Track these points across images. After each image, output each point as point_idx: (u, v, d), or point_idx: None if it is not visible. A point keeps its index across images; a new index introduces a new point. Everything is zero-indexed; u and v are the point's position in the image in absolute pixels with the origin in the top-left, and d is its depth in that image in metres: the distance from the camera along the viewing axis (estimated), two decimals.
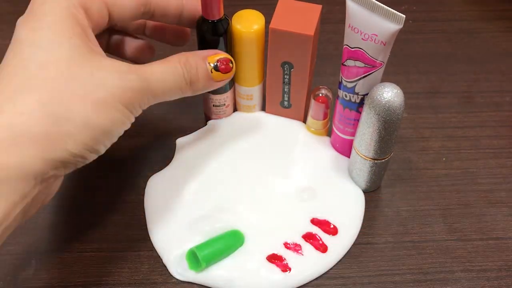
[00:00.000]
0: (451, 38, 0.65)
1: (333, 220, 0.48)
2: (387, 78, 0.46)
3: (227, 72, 0.43)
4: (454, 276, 0.46)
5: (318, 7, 0.49)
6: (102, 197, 0.51)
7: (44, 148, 0.33)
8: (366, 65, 0.44)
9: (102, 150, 0.38)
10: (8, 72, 0.34)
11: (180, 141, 0.54)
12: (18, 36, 0.36)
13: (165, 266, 0.46)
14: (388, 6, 0.41)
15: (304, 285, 0.46)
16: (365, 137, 0.46)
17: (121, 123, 0.38)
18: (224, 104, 0.53)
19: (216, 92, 0.52)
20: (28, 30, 0.36)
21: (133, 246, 0.48)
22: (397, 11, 0.41)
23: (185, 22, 0.46)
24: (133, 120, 0.39)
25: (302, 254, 0.46)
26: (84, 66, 0.35)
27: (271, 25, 0.48)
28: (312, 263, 0.46)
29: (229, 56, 0.44)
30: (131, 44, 0.48)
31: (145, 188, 0.51)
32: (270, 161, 0.52)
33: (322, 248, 0.47)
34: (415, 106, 0.58)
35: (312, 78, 0.54)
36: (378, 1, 0.42)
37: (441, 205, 0.50)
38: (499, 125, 0.56)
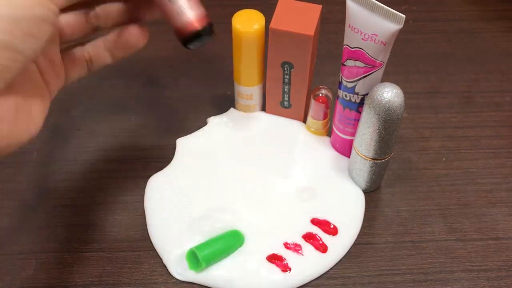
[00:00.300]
0: (451, 38, 0.65)
1: (333, 220, 0.48)
2: (387, 78, 0.46)
3: None
4: (454, 276, 0.46)
5: (318, 7, 0.49)
6: (102, 197, 0.51)
7: None
8: (366, 65, 0.44)
9: (27, 51, 0.32)
10: None
11: (180, 141, 0.54)
12: None
13: (165, 266, 0.46)
14: (388, 6, 0.41)
15: (304, 285, 0.46)
16: (365, 137, 0.46)
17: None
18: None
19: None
20: None
21: (133, 246, 0.48)
22: (397, 11, 0.41)
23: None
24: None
25: (302, 254, 0.46)
26: None
27: (271, 25, 0.48)
28: (312, 263, 0.46)
29: None
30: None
31: (145, 188, 0.51)
32: (270, 161, 0.52)
33: (322, 248, 0.47)
34: (415, 106, 0.58)
35: (312, 78, 0.54)
36: (378, 1, 0.42)
37: (441, 205, 0.50)
38: (499, 125, 0.56)
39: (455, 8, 0.68)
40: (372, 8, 0.42)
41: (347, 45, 0.45)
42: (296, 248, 0.47)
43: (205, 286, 0.45)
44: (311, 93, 0.51)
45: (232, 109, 0.56)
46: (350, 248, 0.47)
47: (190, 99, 0.58)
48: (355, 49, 0.44)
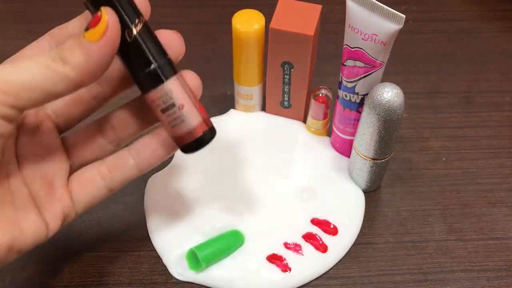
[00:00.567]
0: (451, 38, 0.65)
1: (333, 220, 0.48)
2: (387, 78, 0.46)
3: (96, 24, 0.30)
4: (454, 276, 0.46)
5: (318, 7, 0.49)
6: None
7: None
8: (366, 65, 0.44)
9: None
10: None
11: None
12: None
13: (165, 266, 0.46)
14: (388, 6, 0.41)
15: (304, 285, 0.45)
16: (365, 137, 0.46)
17: None
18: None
19: None
20: None
21: (133, 246, 0.47)
22: (397, 11, 0.41)
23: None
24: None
25: (302, 254, 0.46)
26: None
27: (271, 25, 0.48)
28: (312, 263, 0.46)
29: (102, 8, 0.31)
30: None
31: (145, 188, 0.51)
32: (270, 161, 0.52)
33: (322, 248, 0.47)
34: (415, 106, 0.58)
35: (312, 78, 0.54)
36: (378, 1, 0.42)
37: (441, 205, 0.50)
38: (499, 125, 0.56)
39: (455, 8, 0.68)
40: (372, 8, 0.42)
41: (347, 45, 0.45)
42: (296, 248, 0.47)
43: (205, 286, 0.45)
44: (311, 93, 0.51)
45: (232, 110, 0.56)
46: (350, 248, 0.47)
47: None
48: (355, 49, 0.44)
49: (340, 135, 0.51)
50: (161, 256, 0.47)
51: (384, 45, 0.43)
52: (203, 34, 0.64)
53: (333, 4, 0.60)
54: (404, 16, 0.41)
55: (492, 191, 0.51)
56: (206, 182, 0.51)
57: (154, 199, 0.50)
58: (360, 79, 0.45)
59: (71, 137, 0.38)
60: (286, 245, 0.47)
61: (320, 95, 0.51)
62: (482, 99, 0.59)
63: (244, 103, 0.55)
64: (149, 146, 0.37)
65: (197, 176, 0.51)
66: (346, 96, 0.48)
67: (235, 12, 0.49)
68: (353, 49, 0.44)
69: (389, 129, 0.44)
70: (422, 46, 0.64)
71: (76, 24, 0.35)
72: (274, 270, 0.45)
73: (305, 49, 0.48)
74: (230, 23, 0.49)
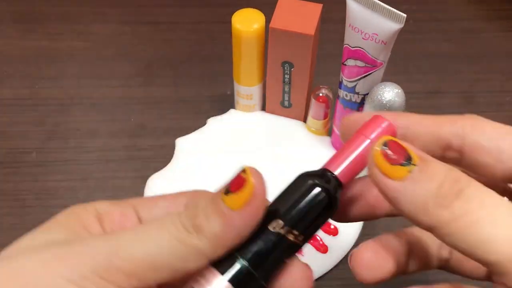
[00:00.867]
0: (452, 38, 0.65)
1: (333, 221, 0.48)
2: (387, 77, 0.46)
3: (239, 188, 0.25)
4: (456, 276, 0.46)
5: (319, 6, 0.49)
6: (102, 197, 0.50)
7: None
8: (366, 65, 0.44)
9: None
10: None
11: (179, 141, 0.54)
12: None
13: None
14: (388, 6, 0.41)
15: None
16: None
17: None
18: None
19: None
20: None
21: None
22: (398, 11, 0.41)
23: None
24: None
25: (302, 255, 0.46)
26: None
27: (271, 25, 0.48)
28: (313, 264, 0.46)
29: (245, 167, 0.26)
30: None
31: (144, 188, 0.51)
32: (270, 161, 0.52)
33: (323, 248, 0.47)
34: (415, 106, 0.57)
35: (312, 78, 0.54)
36: (378, 0, 0.41)
37: None
38: None
39: (456, 7, 0.68)
40: (373, 8, 0.42)
41: (347, 44, 0.45)
42: None
43: None
44: (312, 92, 0.51)
45: (232, 110, 0.56)
46: (351, 249, 0.47)
47: (189, 99, 0.58)
48: (356, 48, 0.44)
49: None
50: None
51: (385, 44, 0.43)
52: (203, 34, 0.64)
53: (333, 3, 0.59)
54: (404, 15, 0.41)
55: None
56: (205, 182, 0.51)
57: None
58: (360, 78, 0.45)
59: None
60: None
61: (321, 94, 0.51)
62: (483, 99, 0.59)
63: (244, 103, 0.55)
64: None
65: (197, 176, 0.51)
66: (346, 95, 0.48)
67: (235, 11, 0.49)
68: (353, 49, 0.44)
69: None
70: (422, 46, 0.64)
71: (165, 203, 0.29)
72: None
73: (305, 48, 0.48)
74: (230, 22, 0.49)
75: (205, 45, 0.63)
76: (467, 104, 0.58)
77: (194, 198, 0.28)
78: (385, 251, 0.27)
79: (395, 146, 0.24)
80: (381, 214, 0.30)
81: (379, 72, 0.45)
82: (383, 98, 0.42)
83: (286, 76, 0.51)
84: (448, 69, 0.61)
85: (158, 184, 0.51)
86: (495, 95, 0.59)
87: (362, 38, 0.43)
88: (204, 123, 0.55)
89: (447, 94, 0.59)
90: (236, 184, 0.25)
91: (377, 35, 0.42)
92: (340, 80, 0.47)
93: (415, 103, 0.58)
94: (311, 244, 0.47)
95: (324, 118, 0.52)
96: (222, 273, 0.24)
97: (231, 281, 0.24)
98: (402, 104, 0.43)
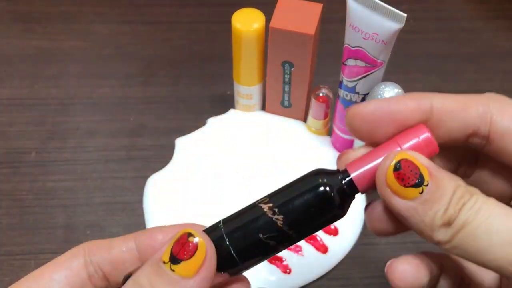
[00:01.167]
0: (452, 37, 0.65)
1: None
2: (388, 77, 0.46)
3: (191, 254, 0.24)
4: None
5: (319, 6, 0.49)
6: (101, 198, 0.50)
7: None
8: (367, 64, 0.44)
9: None
10: None
11: (179, 140, 0.54)
12: None
13: None
14: (389, 5, 0.41)
15: (305, 286, 0.45)
16: None
17: None
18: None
19: None
20: None
21: None
22: (398, 10, 0.41)
23: None
24: None
25: (303, 255, 0.46)
26: None
27: (271, 24, 0.47)
28: (313, 264, 0.46)
29: (187, 230, 0.24)
30: None
31: (144, 188, 0.51)
32: (270, 161, 0.52)
33: (323, 248, 0.46)
34: None
35: (312, 78, 0.54)
36: (378, 0, 0.41)
37: None
38: None
39: (456, 7, 0.68)
40: (373, 7, 0.42)
41: (347, 44, 0.45)
42: (296, 248, 0.46)
43: None
44: (312, 92, 0.51)
45: (232, 110, 0.56)
46: (351, 249, 0.47)
47: (189, 99, 0.58)
48: (356, 48, 0.44)
49: (341, 134, 0.51)
50: None
51: (385, 44, 0.42)
52: (203, 33, 0.64)
53: (333, 3, 0.59)
54: (405, 15, 0.41)
55: None
56: (205, 182, 0.51)
57: (154, 199, 0.50)
58: (360, 78, 0.45)
59: None
60: None
61: (321, 94, 0.50)
62: None
63: (244, 102, 0.55)
64: None
65: (196, 176, 0.51)
66: (346, 95, 0.47)
67: (235, 11, 0.49)
68: (353, 48, 0.44)
69: None
70: (423, 45, 0.64)
71: (122, 246, 0.28)
72: (274, 271, 0.45)
73: (305, 48, 0.48)
74: (230, 22, 0.49)
75: (205, 45, 0.63)
76: None
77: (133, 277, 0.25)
78: (421, 265, 0.27)
79: (409, 165, 0.24)
80: None
81: (379, 72, 0.45)
82: (383, 98, 0.42)
83: (286, 76, 0.51)
84: (448, 68, 0.61)
85: (158, 184, 0.51)
86: None
87: (363, 37, 0.43)
88: (204, 123, 0.55)
89: (448, 93, 0.59)
90: (186, 251, 0.24)
91: (378, 34, 0.42)
92: (340, 80, 0.47)
93: None
94: (311, 244, 0.47)
95: (324, 118, 0.52)
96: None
97: None
98: None
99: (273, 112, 0.55)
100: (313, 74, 0.54)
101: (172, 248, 0.24)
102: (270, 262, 0.46)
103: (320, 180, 0.25)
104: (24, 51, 0.61)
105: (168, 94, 0.58)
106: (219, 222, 0.26)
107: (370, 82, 0.45)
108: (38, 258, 0.46)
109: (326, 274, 0.46)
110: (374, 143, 0.26)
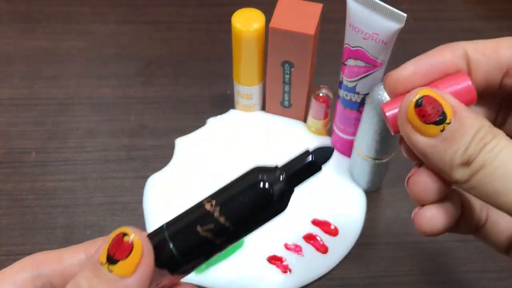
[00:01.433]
0: (452, 37, 0.64)
1: (334, 221, 0.48)
2: None
3: (127, 253, 0.24)
4: (456, 277, 0.46)
5: (319, 6, 0.49)
6: (101, 197, 0.50)
7: None
8: (367, 65, 0.44)
9: None
10: None
11: (179, 140, 0.54)
12: None
13: None
14: (389, 5, 0.41)
15: (305, 286, 0.45)
16: (366, 137, 0.46)
17: None
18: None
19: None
20: None
21: None
22: (398, 10, 0.41)
23: None
24: None
25: (303, 255, 0.46)
26: None
27: (271, 24, 0.47)
28: (313, 264, 0.46)
29: (122, 229, 0.25)
30: None
31: (144, 188, 0.51)
32: (270, 161, 0.52)
33: (323, 249, 0.46)
34: None
35: (312, 78, 0.54)
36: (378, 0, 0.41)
37: None
38: None
39: (456, 7, 0.68)
40: (373, 7, 0.41)
41: (347, 44, 0.45)
42: (296, 249, 0.46)
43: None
44: (312, 92, 0.51)
45: (232, 110, 0.56)
46: (351, 249, 0.47)
47: (189, 99, 0.58)
48: (356, 48, 0.44)
49: (341, 135, 0.51)
50: None
51: (385, 44, 0.42)
52: (203, 34, 0.64)
53: (333, 3, 0.59)
54: (405, 15, 0.41)
55: None
56: (205, 182, 0.51)
57: (153, 199, 0.50)
58: (360, 78, 0.45)
59: None
60: (287, 246, 0.47)
61: (321, 94, 0.50)
62: None
63: (244, 102, 0.55)
64: None
65: (196, 176, 0.51)
66: (346, 95, 0.47)
67: (235, 11, 0.49)
68: (353, 49, 0.44)
69: None
70: (423, 45, 0.63)
71: (72, 258, 0.28)
72: (274, 271, 0.45)
73: (305, 48, 0.48)
74: (229, 22, 0.49)
75: (205, 45, 0.63)
76: None
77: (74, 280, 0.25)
78: (447, 209, 0.27)
79: (431, 102, 0.24)
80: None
81: (379, 72, 0.44)
82: (383, 98, 0.42)
83: (286, 76, 0.51)
84: None
85: (158, 184, 0.51)
86: None
87: (363, 38, 0.43)
88: (204, 123, 0.55)
89: None
90: (122, 250, 0.24)
91: (378, 34, 0.42)
92: (340, 80, 0.47)
93: None
94: (311, 244, 0.47)
95: (324, 118, 0.52)
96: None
97: None
98: None
99: (273, 112, 0.55)
100: (313, 74, 0.54)
101: (108, 249, 0.24)
102: (270, 262, 0.46)
103: (257, 174, 0.26)
104: (24, 51, 0.61)
105: (168, 94, 0.58)
106: (164, 223, 0.26)
107: (370, 82, 0.45)
108: None
109: (326, 274, 0.46)
110: None
